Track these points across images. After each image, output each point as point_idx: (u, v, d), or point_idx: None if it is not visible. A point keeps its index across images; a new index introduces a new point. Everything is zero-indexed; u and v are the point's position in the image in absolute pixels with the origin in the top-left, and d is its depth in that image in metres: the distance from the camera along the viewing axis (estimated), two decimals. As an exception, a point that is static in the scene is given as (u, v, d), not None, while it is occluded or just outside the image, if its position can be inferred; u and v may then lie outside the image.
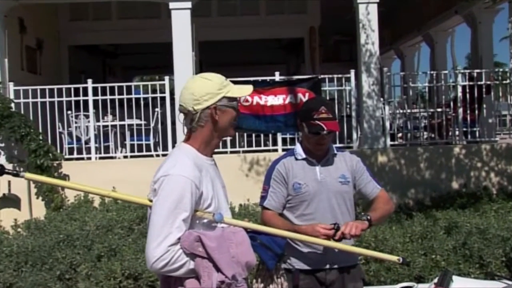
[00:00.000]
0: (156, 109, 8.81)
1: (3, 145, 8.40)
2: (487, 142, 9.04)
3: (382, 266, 5.23)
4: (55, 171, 8.14)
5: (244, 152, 8.53)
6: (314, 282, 3.00)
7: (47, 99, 8.53)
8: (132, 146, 8.71)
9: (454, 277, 3.10)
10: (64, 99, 8.65)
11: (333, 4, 11.41)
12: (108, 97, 8.62)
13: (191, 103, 2.25)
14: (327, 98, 8.30)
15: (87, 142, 8.66)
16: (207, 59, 13.79)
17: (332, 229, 2.80)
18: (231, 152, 8.45)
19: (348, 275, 3.03)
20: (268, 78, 8.66)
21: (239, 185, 7.28)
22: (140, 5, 11.23)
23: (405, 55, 16.46)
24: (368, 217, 2.92)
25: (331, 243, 2.77)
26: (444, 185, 8.45)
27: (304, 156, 3.08)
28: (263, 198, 3.11)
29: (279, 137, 8.58)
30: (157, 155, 8.64)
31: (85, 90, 8.57)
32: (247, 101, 8.01)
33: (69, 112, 8.80)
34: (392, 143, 8.87)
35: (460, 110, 9.12)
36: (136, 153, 8.61)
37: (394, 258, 2.89)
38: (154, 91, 8.82)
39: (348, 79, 8.91)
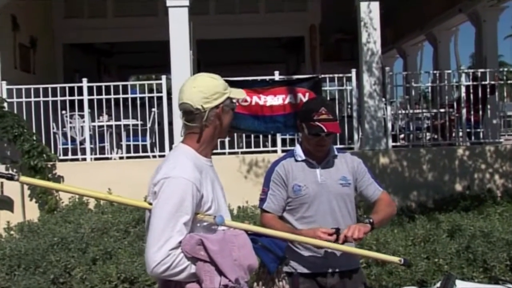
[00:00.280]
0: (153, 109, 8.82)
1: (-5, 145, 8.41)
2: (491, 144, 9.05)
3: (384, 270, 5.24)
4: (49, 172, 8.14)
5: (242, 153, 8.54)
6: (314, 286, 3.01)
7: (41, 99, 8.53)
8: (128, 146, 8.71)
9: (458, 282, 3.10)
10: (59, 98, 8.66)
11: (334, 2, 11.43)
12: (104, 96, 8.62)
13: (200, 101, 2.25)
14: (328, 98, 8.29)
15: (82, 142, 8.66)
16: (205, 58, 13.81)
17: (333, 233, 2.82)
18: (230, 153, 8.46)
19: (349, 280, 3.04)
20: (267, 77, 8.67)
21: (237, 187, 7.28)
22: (137, 3, 11.25)
23: (407, 55, 16.49)
24: (371, 220, 2.93)
25: (332, 245, 2.79)
26: (447, 187, 8.47)
27: (304, 157, 3.09)
28: (262, 200, 3.11)
29: (279, 138, 8.59)
30: (154, 156, 8.64)
31: (80, 89, 8.58)
32: (245, 101, 8.02)
33: (63, 112, 8.80)
34: (394, 144, 8.88)
35: (464, 111, 9.13)
36: (132, 154, 8.62)
37: (395, 259, 2.92)
38: (150, 90, 8.81)
39: (349, 79, 8.93)
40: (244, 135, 8.78)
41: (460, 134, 9.41)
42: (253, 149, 8.62)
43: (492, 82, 9.38)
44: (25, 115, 8.44)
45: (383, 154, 8.51)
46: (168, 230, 2.12)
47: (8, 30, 9.80)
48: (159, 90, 9.05)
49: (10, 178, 2.18)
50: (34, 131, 8.29)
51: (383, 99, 8.89)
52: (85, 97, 8.51)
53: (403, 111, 10.48)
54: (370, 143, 8.62)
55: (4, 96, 8.42)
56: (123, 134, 8.74)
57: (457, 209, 7.21)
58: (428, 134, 10.17)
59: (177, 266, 2.12)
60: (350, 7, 9.34)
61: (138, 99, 9.02)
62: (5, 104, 8.27)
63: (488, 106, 9.56)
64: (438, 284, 3.08)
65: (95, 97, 8.58)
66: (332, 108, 3.10)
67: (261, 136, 8.74)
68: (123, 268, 5.34)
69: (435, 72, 9.91)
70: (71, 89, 8.72)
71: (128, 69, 20.01)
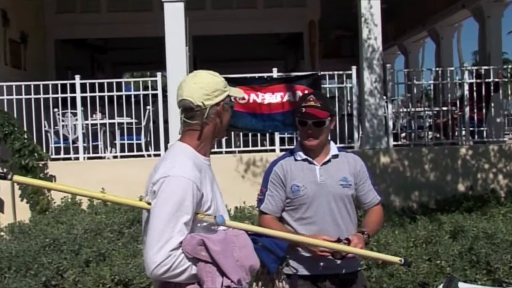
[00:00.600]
0: (148, 107, 8.82)
1: (-15, 144, 8.39)
2: (495, 143, 9.07)
3: (384, 272, 5.25)
4: (41, 172, 8.13)
5: (240, 152, 8.55)
6: (313, 289, 3.02)
7: (32, 96, 8.53)
8: (122, 145, 8.72)
9: (460, 284, 3.11)
10: (51, 96, 8.64)
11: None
12: (97, 94, 8.62)
13: (201, 98, 2.26)
14: (328, 95, 8.30)
15: (74, 141, 8.66)
16: (201, 54, 13.80)
17: (335, 242, 2.84)
18: (227, 152, 8.47)
19: (349, 282, 3.05)
20: (265, 74, 8.67)
21: (234, 187, 7.30)
22: (131, -3, 11.24)
23: (409, 51, 16.51)
24: (369, 238, 2.99)
25: (332, 245, 2.80)
26: (449, 187, 8.49)
27: (304, 157, 3.08)
28: (260, 201, 3.12)
29: (277, 136, 8.60)
30: (149, 155, 8.65)
31: (73, 86, 8.57)
32: (243, 98, 8.01)
33: (55, 109, 8.80)
34: (395, 143, 8.90)
35: (467, 109, 9.15)
36: (126, 153, 8.61)
37: (395, 259, 2.94)
38: (145, 87, 8.83)
39: (349, 76, 8.93)
40: (241, 134, 8.78)
41: (463, 133, 9.43)
42: (250, 148, 8.64)
43: (496, 80, 9.40)
44: (16, 113, 8.43)
45: (384, 153, 8.53)
46: (168, 230, 2.12)
47: (-2, 25, 9.80)
48: (154, 88, 9.05)
49: (3, 177, 2.16)
50: (25, 129, 8.28)
51: (384, 97, 8.90)
52: (78, 95, 8.50)
53: (405, 109, 10.50)
54: (370, 142, 8.63)
55: (-6, 93, 8.41)
56: (117, 132, 8.74)
57: (460, 209, 7.23)
58: (430, 133, 10.19)
59: (178, 267, 2.12)
60: (351, 3, 9.36)
61: (132, 96, 9.01)
62: (-5, 102, 8.27)
63: (492, 104, 9.58)
64: (440, 287, 3.10)
65: (88, 94, 8.57)
66: (323, 98, 3.11)
67: (259, 135, 8.74)
68: (117, 270, 5.35)
69: (437, 69, 9.95)
70: (64, 86, 8.71)
71: (122, 66, 20.00)
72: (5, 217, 7.89)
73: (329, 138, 3.16)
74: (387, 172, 8.45)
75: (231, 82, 2.42)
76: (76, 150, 8.58)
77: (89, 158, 8.59)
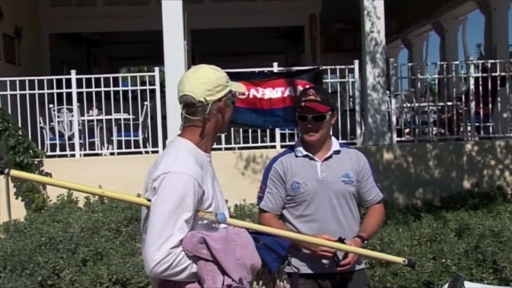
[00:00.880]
0: (145, 103, 8.82)
1: (-21, 141, 8.39)
2: (502, 138, 9.06)
3: (388, 271, 5.26)
4: (36, 169, 8.13)
5: (240, 148, 8.55)
6: None
7: (27, 92, 8.52)
8: (119, 142, 8.72)
9: (466, 283, 3.11)
10: (46, 91, 8.63)
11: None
12: (93, 89, 8.61)
13: (204, 93, 2.26)
14: (329, 90, 8.30)
15: (70, 138, 8.65)
16: (200, 48, 13.81)
17: (336, 241, 2.85)
18: (226, 149, 8.46)
19: (352, 281, 3.05)
20: (265, 69, 8.67)
21: (234, 184, 7.30)
22: (128, -10, 11.23)
23: (413, 45, 16.50)
24: (367, 243, 3.01)
25: (334, 244, 2.80)
26: (454, 184, 8.48)
27: (304, 153, 3.08)
28: (259, 198, 3.12)
29: (277, 132, 8.59)
30: (147, 152, 8.65)
31: (68, 81, 8.56)
32: (243, 94, 8.00)
33: (51, 105, 8.79)
34: (398, 139, 8.89)
35: (472, 104, 9.14)
36: (123, 150, 8.62)
37: (399, 259, 2.95)
38: (143, 83, 8.82)
39: (351, 71, 8.92)
40: (241, 130, 8.78)
41: (469, 128, 9.42)
42: (250, 144, 8.63)
43: (503, 74, 9.39)
44: (10, 109, 8.42)
45: (387, 149, 8.52)
46: (169, 227, 2.12)
47: (-8, 20, 9.79)
48: (152, 83, 9.04)
49: (0, 172, 2.18)
50: (19, 125, 8.27)
51: (387, 92, 8.90)
52: (74, 90, 8.50)
53: (408, 104, 10.48)
54: (373, 138, 8.63)
55: (-12, 88, 8.41)
56: (114, 129, 8.74)
57: (465, 207, 7.23)
58: (434, 128, 10.19)
59: (178, 266, 2.13)
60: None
61: (129, 92, 9.02)
62: (-11, 98, 8.27)
63: (498, 99, 9.57)
64: (446, 286, 3.10)
65: (84, 89, 8.57)
66: (323, 92, 3.12)
67: (259, 131, 8.74)
68: (114, 269, 5.35)
69: (442, 63, 9.92)
70: (59, 82, 8.70)
71: (119, 61, 20.00)
72: (0, 216, 7.89)
73: (331, 134, 3.16)
74: (391, 169, 8.45)
75: (231, 77, 2.40)
76: (72, 147, 8.57)
77: (85, 155, 8.59)
